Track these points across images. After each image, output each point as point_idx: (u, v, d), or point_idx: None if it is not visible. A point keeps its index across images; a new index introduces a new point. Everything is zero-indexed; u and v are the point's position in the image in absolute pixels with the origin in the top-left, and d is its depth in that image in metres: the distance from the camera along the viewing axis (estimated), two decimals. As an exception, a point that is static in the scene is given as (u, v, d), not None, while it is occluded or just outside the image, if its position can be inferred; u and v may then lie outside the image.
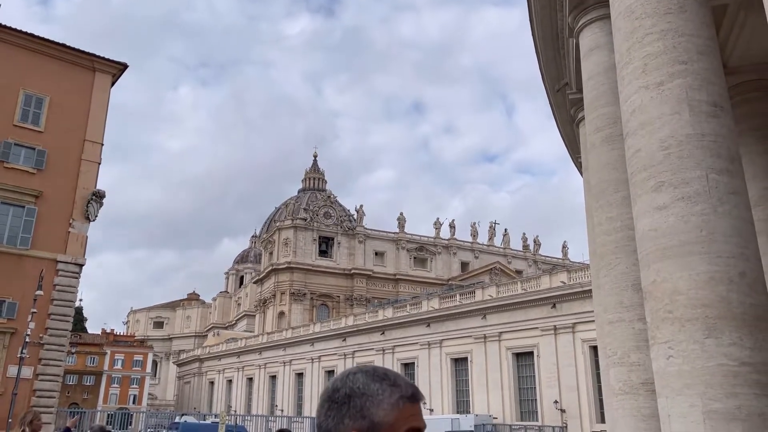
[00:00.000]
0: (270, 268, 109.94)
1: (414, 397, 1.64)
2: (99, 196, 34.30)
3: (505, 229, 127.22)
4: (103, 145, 36.05)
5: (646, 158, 9.05)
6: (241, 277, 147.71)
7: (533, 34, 20.28)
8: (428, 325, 62.60)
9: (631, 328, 12.12)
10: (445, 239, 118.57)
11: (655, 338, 8.36)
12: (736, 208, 8.30)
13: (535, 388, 52.17)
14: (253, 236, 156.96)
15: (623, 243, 12.70)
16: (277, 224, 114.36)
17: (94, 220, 34.19)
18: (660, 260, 8.40)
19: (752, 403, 7.29)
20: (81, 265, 33.47)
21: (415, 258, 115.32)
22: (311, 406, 73.65)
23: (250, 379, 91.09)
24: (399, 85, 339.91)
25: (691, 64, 9.08)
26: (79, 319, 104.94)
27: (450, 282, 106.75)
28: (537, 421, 50.57)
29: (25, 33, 34.83)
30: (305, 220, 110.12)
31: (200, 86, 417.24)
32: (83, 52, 36.43)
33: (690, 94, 8.90)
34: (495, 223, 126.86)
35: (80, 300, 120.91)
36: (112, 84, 37.50)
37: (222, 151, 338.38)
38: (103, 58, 36.85)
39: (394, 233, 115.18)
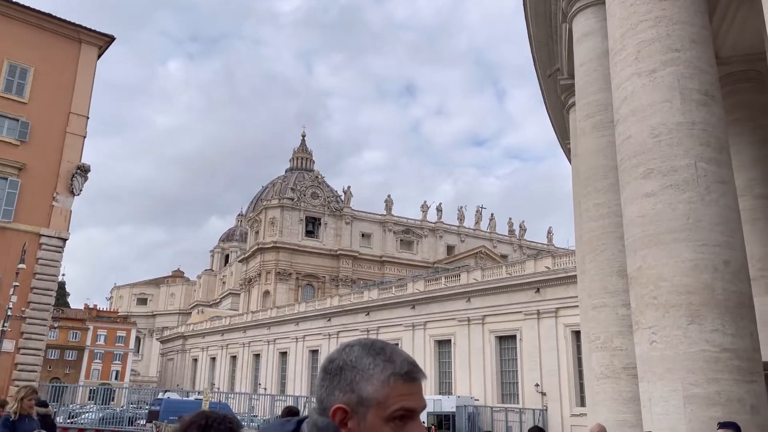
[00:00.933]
0: (256, 247, 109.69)
1: (409, 374, 1.57)
2: (84, 170, 33.90)
3: (492, 214, 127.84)
4: (88, 118, 35.53)
5: (636, 145, 9.09)
6: (227, 256, 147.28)
7: (527, 19, 20.19)
8: (413, 307, 62.89)
9: (615, 313, 12.27)
10: (431, 222, 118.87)
11: (639, 323, 8.47)
12: (723, 197, 8.38)
13: (516, 371, 52.75)
14: (239, 215, 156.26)
15: (610, 229, 12.79)
16: (264, 203, 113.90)
17: (78, 195, 33.82)
18: (647, 247, 8.48)
19: (732, 389, 7.42)
20: (65, 240, 33.15)
21: (401, 240, 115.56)
22: (294, 385, 74.02)
23: (234, 357, 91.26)
24: (392, 66, 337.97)
25: (684, 52, 9.09)
26: (61, 293, 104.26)
27: (435, 265, 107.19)
28: (518, 403, 51.20)
29: (10, 1, 34.07)
30: (292, 199, 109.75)
31: (189, 61, 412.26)
32: (69, 22, 35.74)
33: (682, 83, 8.92)
34: (482, 208, 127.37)
35: (63, 275, 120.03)
36: (99, 56, 36.87)
37: (212, 128, 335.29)
38: (90, 30, 36.18)
39: (381, 215, 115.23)
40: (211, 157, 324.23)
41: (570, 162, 23.48)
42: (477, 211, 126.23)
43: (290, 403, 52.96)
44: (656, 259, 8.34)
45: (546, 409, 48.81)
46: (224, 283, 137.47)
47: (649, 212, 8.60)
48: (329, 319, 73.56)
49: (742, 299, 7.93)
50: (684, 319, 7.80)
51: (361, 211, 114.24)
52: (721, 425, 6.22)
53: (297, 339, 77.96)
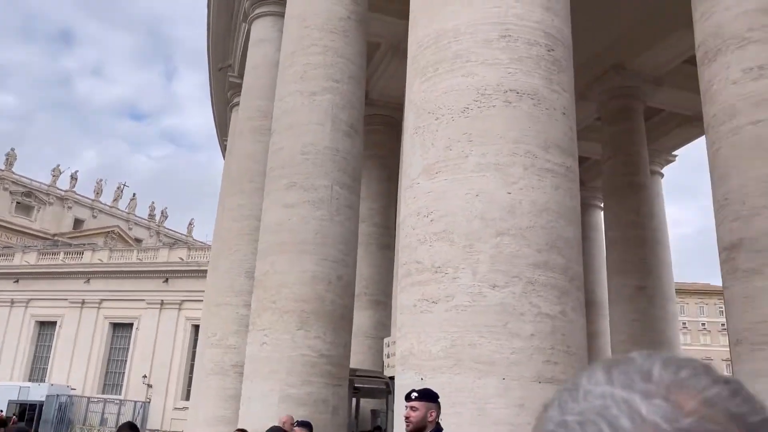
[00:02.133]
0: None
1: None
2: None
3: (134, 194, 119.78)
4: None
5: (287, 158, 9.60)
6: None
7: (209, 7, 19.83)
8: (17, 281, 54.95)
9: (236, 312, 12.64)
10: (62, 190, 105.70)
11: (255, 324, 8.86)
12: (348, 220, 9.41)
13: (126, 360, 50.24)
14: None
15: (247, 231, 13.20)
16: None
17: None
18: (277, 254, 8.97)
19: (320, 391, 8.29)
20: None
21: (18, 203, 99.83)
22: None
23: None
24: (49, 3, 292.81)
25: (342, 84, 10.01)
26: None
27: (56, 237, 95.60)
28: (120, 394, 48.71)
29: None
30: None
31: None
32: None
33: (335, 111, 9.79)
34: (124, 185, 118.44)
35: None
36: None
37: None
38: None
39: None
40: None
41: (224, 159, 23.68)
42: (118, 188, 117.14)
43: None
44: (283, 266, 8.87)
45: (149, 402, 47.51)
46: None
47: (285, 222, 9.14)
48: None
49: (345, 312, 8.98)
50: (294, 325, 8.44)
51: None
52: (298, 423, 6.83)
53: None
